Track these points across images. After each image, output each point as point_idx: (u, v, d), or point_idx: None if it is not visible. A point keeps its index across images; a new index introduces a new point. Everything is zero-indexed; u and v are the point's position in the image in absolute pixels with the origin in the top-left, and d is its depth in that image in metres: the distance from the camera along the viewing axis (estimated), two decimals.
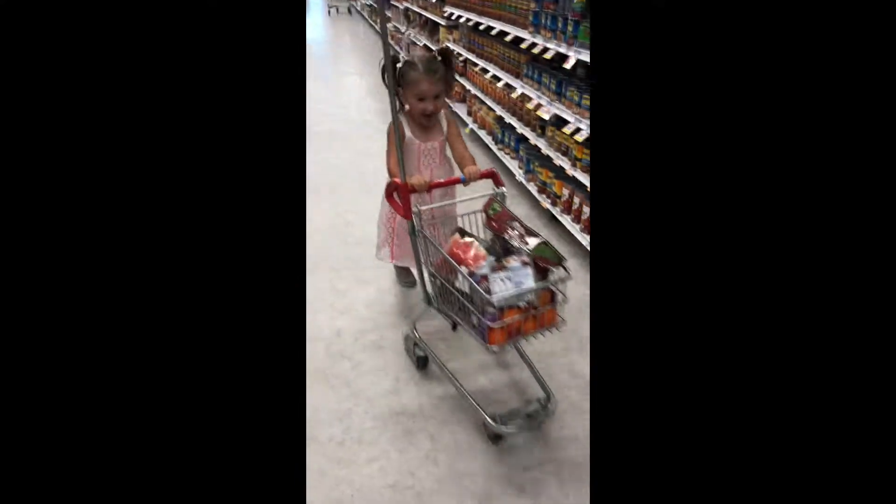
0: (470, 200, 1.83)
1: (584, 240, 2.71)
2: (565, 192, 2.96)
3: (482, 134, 4.46)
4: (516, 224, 1.65)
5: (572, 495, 1.56)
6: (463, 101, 5.20)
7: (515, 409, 1.76)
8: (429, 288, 1.87)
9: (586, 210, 2.75)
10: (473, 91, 4.65)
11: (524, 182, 3.48)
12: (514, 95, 3.58)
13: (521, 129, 3.55)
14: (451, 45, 5.30)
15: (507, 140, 3.92)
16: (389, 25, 9.43)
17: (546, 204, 3.16)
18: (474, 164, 1.94)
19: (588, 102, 2.65)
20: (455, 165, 2.11)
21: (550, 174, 3.14)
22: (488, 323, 1.49)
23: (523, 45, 3.36)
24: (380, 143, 2.27)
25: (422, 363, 2.03)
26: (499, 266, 1.54)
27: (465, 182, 1.82)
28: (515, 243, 1.61)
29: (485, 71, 4.29)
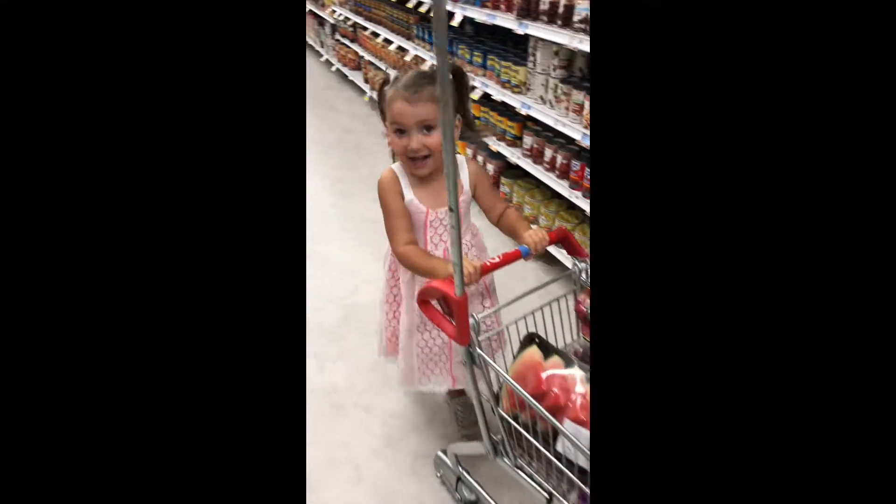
0: (519, 293, 1.20)
1: None
2: (468, 152, 2.99)
3: None
4: None
5: None
6: (358, 68, 5.06)
7: None
8: (494, 433, 1.22)
9: (490, 167, 2.81)
10: (367, 57, 4.53)
11: None
12: (407, 58, 3.53)
13: None
14: (338, 9, 5.10)
15: None
16: None
17: None
18: (529, 226, 1.31)
19: (480, 59, 2.67)
20: (480, 234, 1.49)
21: None
22: None
23: (410, 5, 3.30)
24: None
25: None
26: None
27: (526, 256, 1.21)
28: None
29: (375, 35, 4.19)
